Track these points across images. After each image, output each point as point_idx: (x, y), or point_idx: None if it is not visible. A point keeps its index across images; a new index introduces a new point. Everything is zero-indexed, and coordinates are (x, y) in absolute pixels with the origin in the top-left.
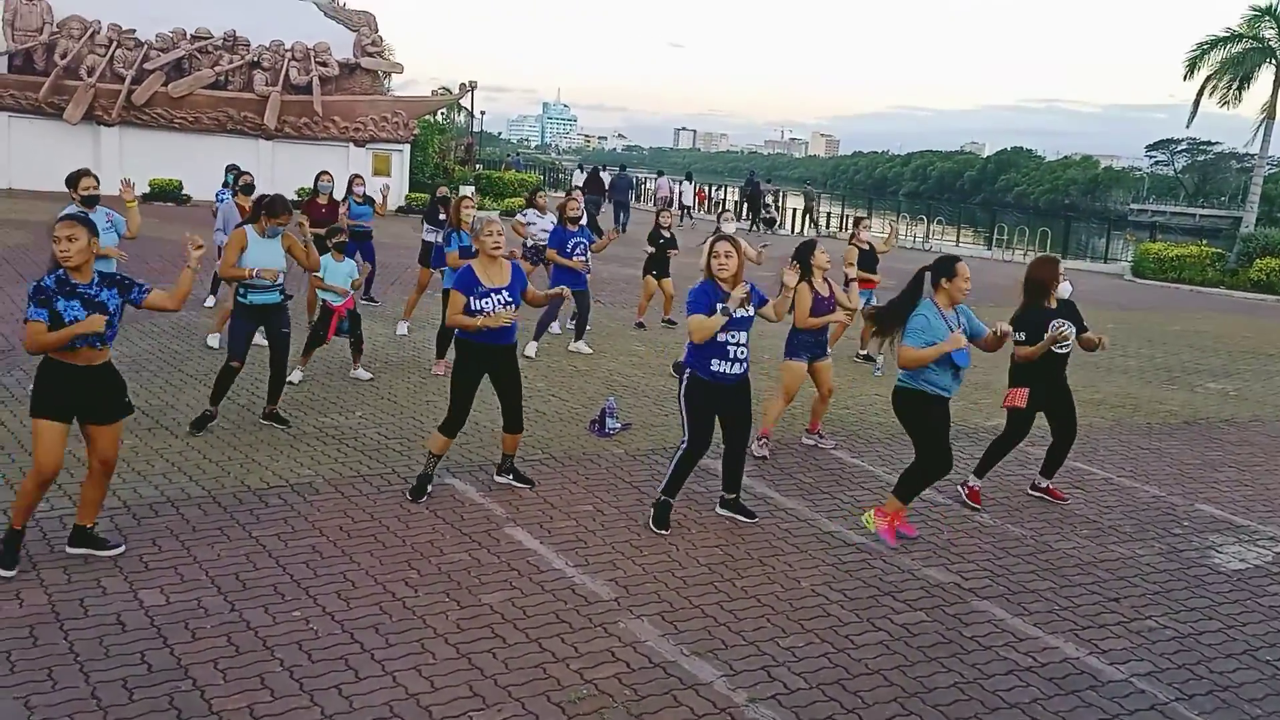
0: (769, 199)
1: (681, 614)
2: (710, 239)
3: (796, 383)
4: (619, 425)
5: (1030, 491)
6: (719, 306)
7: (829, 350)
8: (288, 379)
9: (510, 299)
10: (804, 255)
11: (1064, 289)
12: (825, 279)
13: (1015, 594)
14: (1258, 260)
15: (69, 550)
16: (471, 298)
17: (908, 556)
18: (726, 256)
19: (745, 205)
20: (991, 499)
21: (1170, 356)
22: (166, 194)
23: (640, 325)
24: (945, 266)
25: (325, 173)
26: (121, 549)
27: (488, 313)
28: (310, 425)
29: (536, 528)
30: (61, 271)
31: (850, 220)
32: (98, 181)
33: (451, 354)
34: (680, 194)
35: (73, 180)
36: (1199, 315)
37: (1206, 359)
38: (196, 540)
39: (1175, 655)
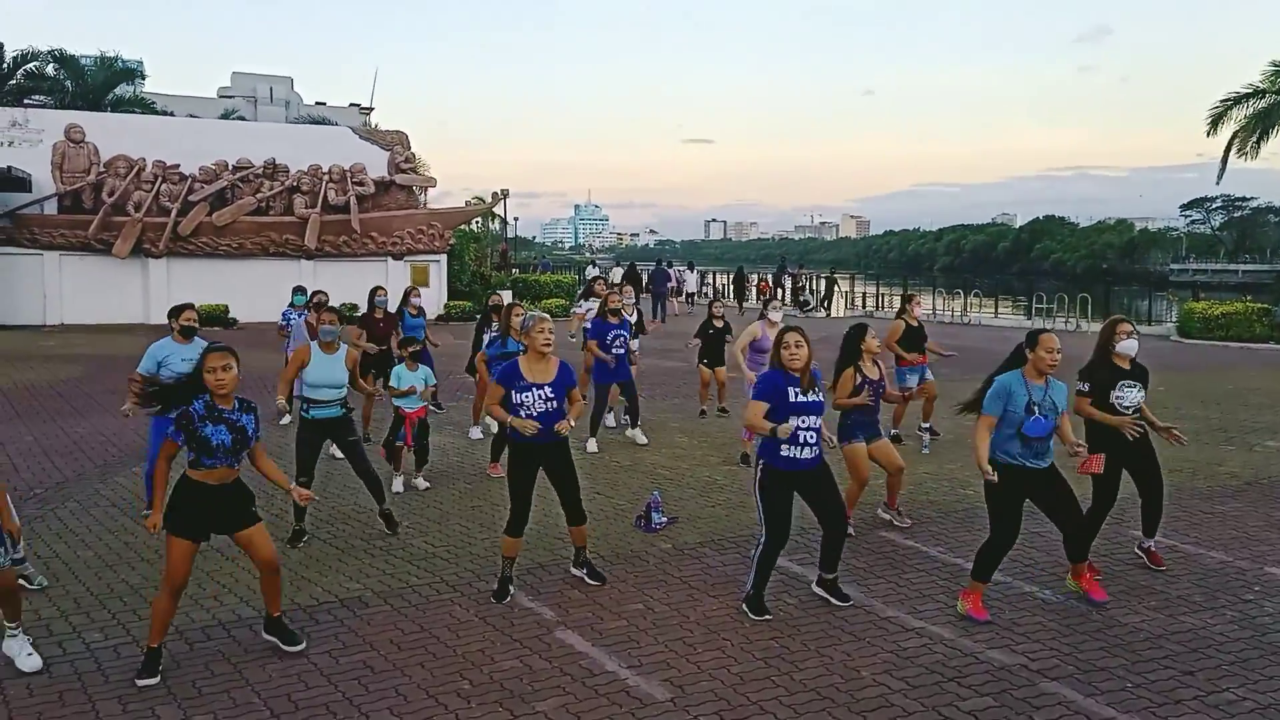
0: (803, 282)
1: (740, 711)
2: (763, 324)
3: (863, 464)
4: (665, 519)
5: (1136, 551)
6: (771, 428)
7: (881, 430)
8: (392, 489)
9: (553, 395)
10: (853, 340)
11: (1128, 346)
12: (875, 362)
13: (1085, 673)
14: None
15: (264, 635)
16: (512, 391)
17: (970, 639)
18: (797, 346)
19: (733, 289)
20: (1052, 574)
21: (1225, 416)
22: (214, 319)
23: (703, 413)
24: (1030, 337)
25: (380, 288)
26: (302, 646)
27: (527, 407)
28: (358, 538)
29: (588, 630)
30: (207, 397)
31: (895, 298)
32: (197, 314)
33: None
34: (684, 282)
35: (175, 312)
36: (1251, 372)
37: (1263, 416)
38: (249, 662)
39: None
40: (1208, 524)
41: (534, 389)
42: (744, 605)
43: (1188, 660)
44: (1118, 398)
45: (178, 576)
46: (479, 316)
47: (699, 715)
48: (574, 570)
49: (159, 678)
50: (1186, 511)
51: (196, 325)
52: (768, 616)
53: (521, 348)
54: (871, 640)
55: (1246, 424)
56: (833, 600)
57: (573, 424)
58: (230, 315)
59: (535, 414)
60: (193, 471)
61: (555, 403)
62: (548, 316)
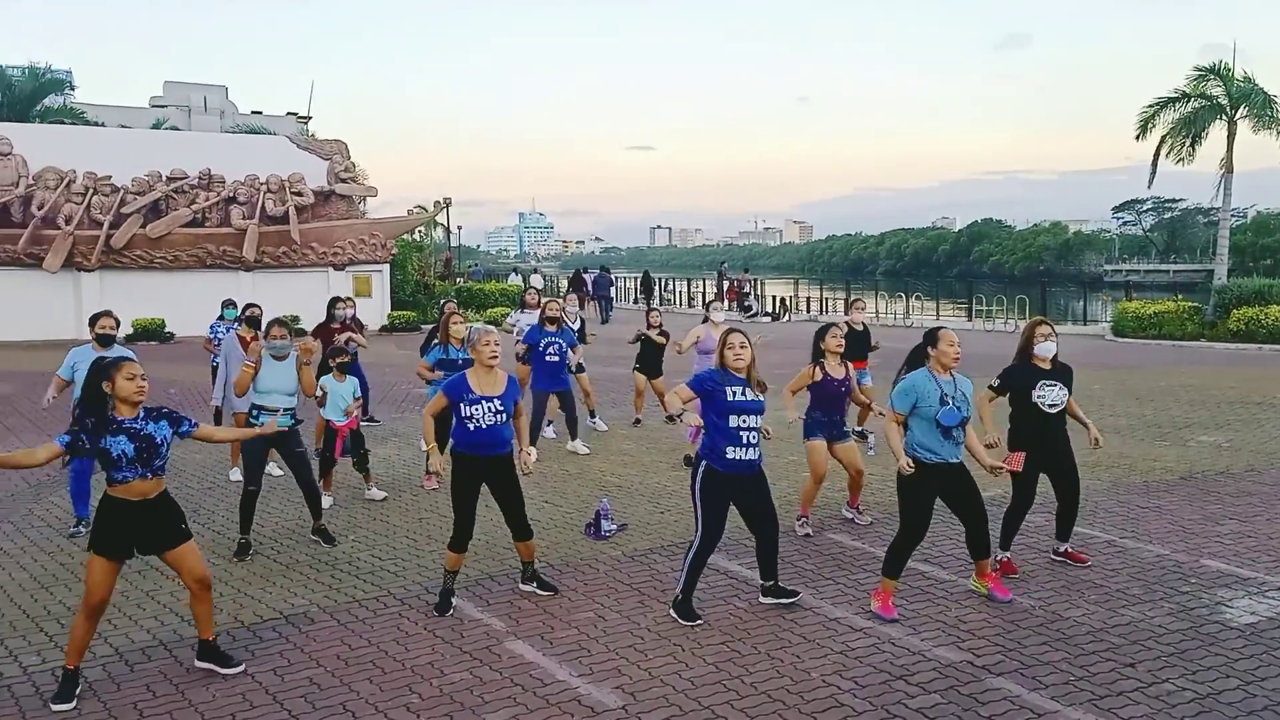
0: (747, 288)
1: (691, 717)
2: (708, 327)
3: (820, 460)
4: (615, 527)
5: (1054, 557)
6: (680, 411)
7: (848, 430)
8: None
9: (502, 408)
10: (817, 338)
11: (1045, 348)
12: (842, 361)
13: (1029, 667)
14: (1234, 310)
15: (197, 664)
16: (461, 404)
17: (917, 638)
18: (741, 347)
19: (641, 292)
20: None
21: (1160, 412)
22: (150, 333)
23: (637, 422)
24: (930, 335)
25: (339, 298)
26: (241, 668)
27: (477, 420)
28: (302, 553)
29: (538, 640)
30: (109, 411)
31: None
32: (116, 322)
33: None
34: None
35: (93, 321)
36: (1183, 369)
37: (1195, 412)
38: (191, 683)
39: (1197, 718)
40: (1145, 518)
41: (484, 401)
42: (672, 610)
43: (1128, 652)
44: (1039, 397)
45: (95, 596)
46: (432, 326)
47: None
48: (523, 586)
49: (74, 703)
50: (1124, 506)
51: (113, 333)
52: (698, 621)
53: (460, 354)
54: (820, 642)
55: (1180, 420)
56: (781, 601)
57: (531, 459)
58: (167, 329)
59: (485, 426)
60: (111, 489)
61: (504, 415)
62: (493, 329)
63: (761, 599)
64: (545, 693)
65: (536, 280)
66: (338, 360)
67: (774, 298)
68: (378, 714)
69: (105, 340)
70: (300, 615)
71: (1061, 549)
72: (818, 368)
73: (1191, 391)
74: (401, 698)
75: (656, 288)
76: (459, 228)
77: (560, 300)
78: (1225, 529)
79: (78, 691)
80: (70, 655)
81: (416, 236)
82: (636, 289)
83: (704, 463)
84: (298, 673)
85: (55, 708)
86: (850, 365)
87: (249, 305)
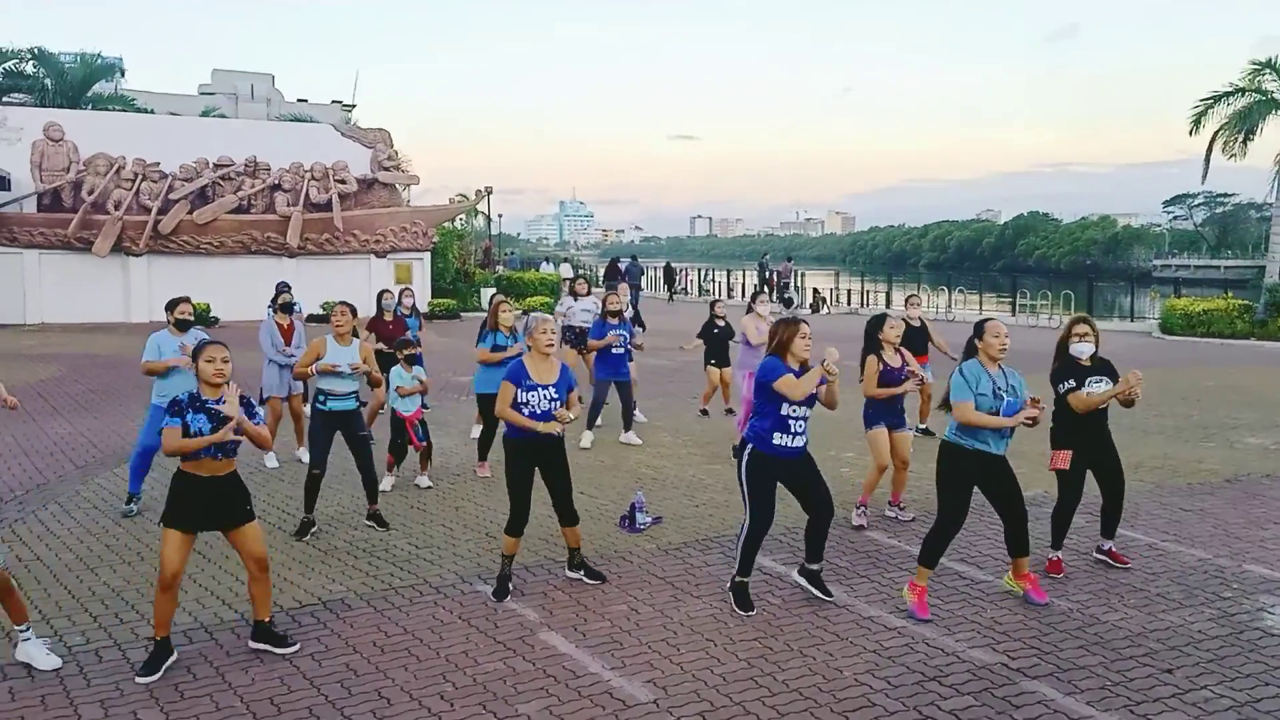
0: (788, 279)
1: (723, 713)
2: (754, 318)
3: (883, 449)
4: (649, 519)
5: (1096, 555)
6: (823, 367)
7: (907, 420)
8: (380, 487)
9: (556, 396)
10: (873, 328)
11: (1080, 349)
12: (897, 350)
13: (1065, 671)
14: None
15: (251, 644)
16: (518, 389)
17: (951, 638)
18: (812, 339)
19: (664, 282)
20: (1033, 573)
21: (1206, 413)
22: (196, 318)
23: (704, 413)
24: (977, 328)
25: (387, 291)
26: (297, 647)
27: (531, 406)
28: (341, 539)
29: (571, 631)
30: (195, 388)
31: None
32: (193, 307)
33: (495, 454)
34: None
35: (171, 305)
36: (1231, 369)
37: (1243, 413)
38: (231, 665)
39: None
40: (1187, 521)
41: (539, 389)
42: (730, 592)
43: (1166, 658)
44: (1089, 394)
45: (168, 569)
46: (485, 317)
47: (682, 716)
48: (569, 573)
49: (160, 674)
50: (1166, 509)
51: (192, 319)
52: (751, 612)
53: (509, 341)
54: (854, 640)
55: (1227, 421)
56: (815, 592)
57: (572, 417)
58: (212, 314)
59: (539, 412)
60: (184, 464)
61: (558, 403)
62: (550, 318)
63: (795, 576)
64: (577, 685)
65: (566, 269)
66: (405, 352)
67: (813, 290)
68: (412, 702)
69: (183, 325)
70: (338, 601)
71: (1105, 547)
72: (876, 358)
73: (1240, 392)
74: (435, 686)
75: (679, 278)
76: (499, 215)
77: (618, 294)
78: (1270, 533)
79: (169, 662)
80: (157, 627)
81: (457, 224)
82: (660, 279)
83: (750, 446)
84: (335, 659)
85: (139, 680)
86: (904, 352)
87: (281, 293)
